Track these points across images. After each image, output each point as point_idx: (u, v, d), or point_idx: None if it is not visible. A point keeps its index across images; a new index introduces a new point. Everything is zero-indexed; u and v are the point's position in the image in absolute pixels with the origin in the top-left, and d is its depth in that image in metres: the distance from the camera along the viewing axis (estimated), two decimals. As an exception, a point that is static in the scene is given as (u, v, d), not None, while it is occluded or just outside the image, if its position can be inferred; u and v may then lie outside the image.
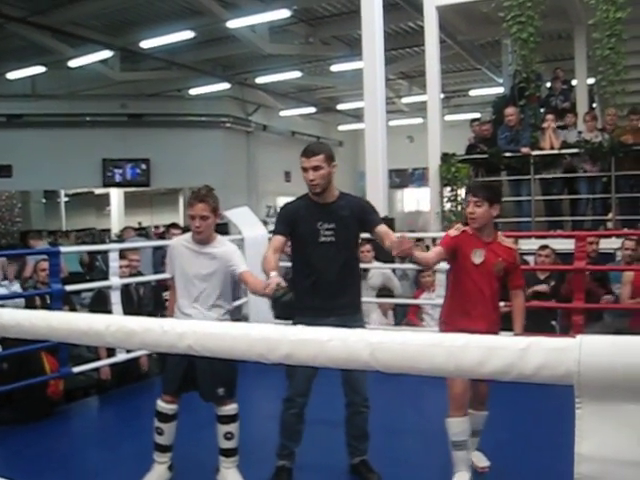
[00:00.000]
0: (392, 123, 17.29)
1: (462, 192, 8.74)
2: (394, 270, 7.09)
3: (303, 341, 0.99)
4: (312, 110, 20.35)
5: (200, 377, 3.46)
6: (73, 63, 13.91)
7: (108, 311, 5.47)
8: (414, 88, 17.80)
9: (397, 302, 6.86)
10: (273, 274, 3.09)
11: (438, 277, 6.35)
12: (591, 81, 10.26)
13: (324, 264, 3.31)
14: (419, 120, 18.17)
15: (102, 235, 18.88)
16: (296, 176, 20.53)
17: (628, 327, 5.63)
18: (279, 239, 3.40)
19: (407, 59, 15.48)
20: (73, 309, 6.18)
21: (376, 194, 7.67)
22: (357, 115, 20.01)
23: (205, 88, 16.75)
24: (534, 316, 5.81)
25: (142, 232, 15.88)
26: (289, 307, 2.96)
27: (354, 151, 21.46)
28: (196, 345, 1.05)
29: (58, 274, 5.30)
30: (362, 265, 4.31)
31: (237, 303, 6.59)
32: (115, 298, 5.60)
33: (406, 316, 6.79)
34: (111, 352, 5.52)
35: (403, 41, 14.28)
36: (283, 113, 19.70)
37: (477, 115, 14.06)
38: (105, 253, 7.84)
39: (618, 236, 6.58)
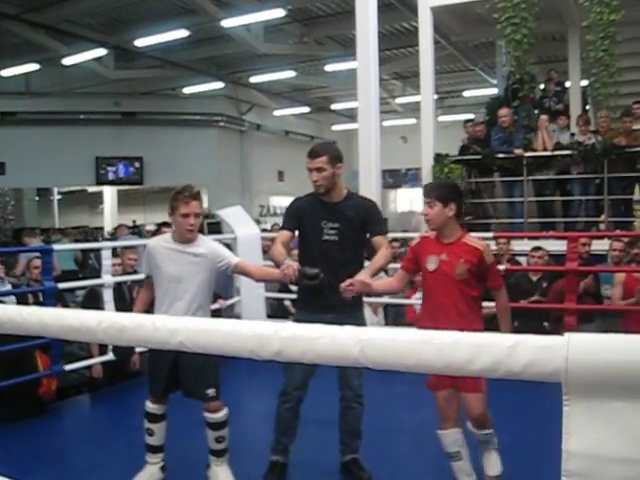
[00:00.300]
0: (386, 123, 17.32)
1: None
2: (386, 271, 7.10)
3: (294, 338, 0.99)
4: (306, 110, 20.37)
5: (183, 374, 3.45)
6: (67, 61, 13.87)
7: (100, 309, 5.46)
8: (408, 88, 17.84)
9: (388, 302, 6.86)
10: (287, 260, 3.19)
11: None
12: (585, 83, 10.29)
13: (326, 262, 3.32)
14: (412, 120, 18.21)
15: (95, 233, 18.83)
16: (289, 176, 20.62)
17: (619, 328, 5.66)
18: (285, 234, 3.49)
19: (401, 59, 15.51)
20: (66, 307, 6.17)
21: (369, 194, 7.58)
22: (351, 115, 20.03)
23: (199, 87, 16.75)
24: (525, 317, 5.85)
25: (135, 230, 15.86)
26: (317, 282, 3.11)
27: (348, 151, 21.32)
28: (188, 341, 1.06)
29: (51, 272, 5.30)
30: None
31: (230, 302, 6.60)
32: (107, 296, 5.59)
33: (405, 317, 6.77)
34: (103, 350, 5.51)
35: (397, 41, 14.30)
36: (277, 112, 19.71)
37: (471, 116, 14.07)
38: (98, 251, 7.85)
39: (610, 238, 6.61)
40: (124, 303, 5.87)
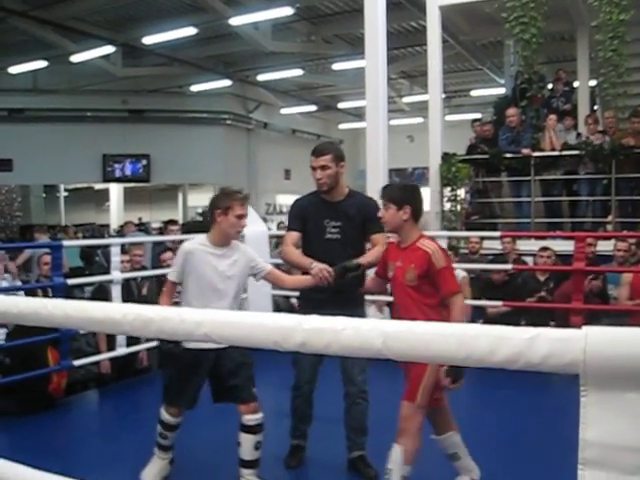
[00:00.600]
0: (392, 122, 17.30)
1: (462, 192, 8.77)
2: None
3: (317, 330, 1.02)
4: (313, 108, 20.38)
5: (223, 378, 3.31)
6: (75, 58, 13.93)
7: (109, 305, 5.47)
8: (415, 87, 17.83)
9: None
10: (310, 262, 3.28)
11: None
12: (593, 83, 10.28)
13: (329, 260, 3.34)
14: (419, 120, 18.23)
15: (101, 230, 18.90)
16: (296, 174, 20.64)
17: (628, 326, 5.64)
18: (293, 235, 3.55)
19: (408, 58, 15.51)
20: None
21: (376, 193, 7.65)
22: (357, 114, 20.05)
23: (206, 85, 16.78)
24: (531, 316, 5.86)
25: (142, 227, 15.91)
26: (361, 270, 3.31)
27: (354, 150, 21.47)
28: (213, 333, 1.08)
29: (60, 268, 5.32)
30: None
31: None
32: (116, 292, 5.62)
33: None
34: (111, 346, 5.55)
35: (405, 40, 14.30)
36: (284, 111, 19.73)
37: (477, 115, 14.06)
38: (106, 248, 7.88)
39: (617, 238, 6.61)
40: (132, 300, 5.90)
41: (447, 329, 0.97)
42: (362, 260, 3.38)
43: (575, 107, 9.68)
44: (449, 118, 17.12)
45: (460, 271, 6.80)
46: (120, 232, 14.11)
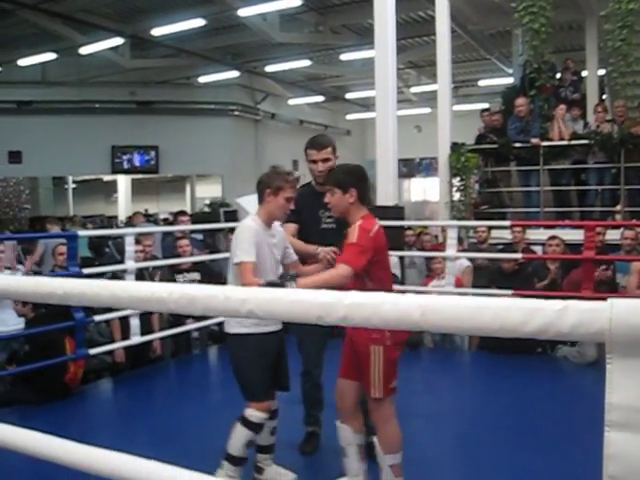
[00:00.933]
0: (400, 112, 17.23)
1: (471, 182, 8.81)
2: (402, 258, 7.16)
3: (358, 304, 1.08)
4: (320, 99, 20.37)
5: (284, 364, 3.37)
6: (84, 50, 13.95)
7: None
8: (423, 77, 17.81)
9: (404, 290, 6.94)
10: (315, 248, 3.43)
11: (448, 264, 6.44)
12: (601, 72, 10.28)
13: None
14: (427, 110, 18.20)
15: (110, 222, 18.98)
16: (303, 164, 20.52)
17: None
18: (290, 227, 3.66)
19: (416, 48, 15.48)
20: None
21: (386, 183, 7.71)
22: (365, 104, 20.04)
23: (214, 76, 16.79)
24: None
25: (150, 218, 15.98)
26: None
27: (362, 140, 21.52)
28: (257, 310, 1.14)
29: (76, 257, 5.40)
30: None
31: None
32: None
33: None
34: (125, 335, 5.64)
35: (412, 30, 14.26)
36: (291, 102, 19.73)
37: (485, 105, 14.02)
38: (116, 239, 7.95)
39: (625, 227, 6.65)
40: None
41: (481, 302, 1.03)
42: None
43: (583, 97, 9.69)
44: (456, 108, 17.04)
45: (464, 260, 6.88)
46: (129, 223, 14.18)
